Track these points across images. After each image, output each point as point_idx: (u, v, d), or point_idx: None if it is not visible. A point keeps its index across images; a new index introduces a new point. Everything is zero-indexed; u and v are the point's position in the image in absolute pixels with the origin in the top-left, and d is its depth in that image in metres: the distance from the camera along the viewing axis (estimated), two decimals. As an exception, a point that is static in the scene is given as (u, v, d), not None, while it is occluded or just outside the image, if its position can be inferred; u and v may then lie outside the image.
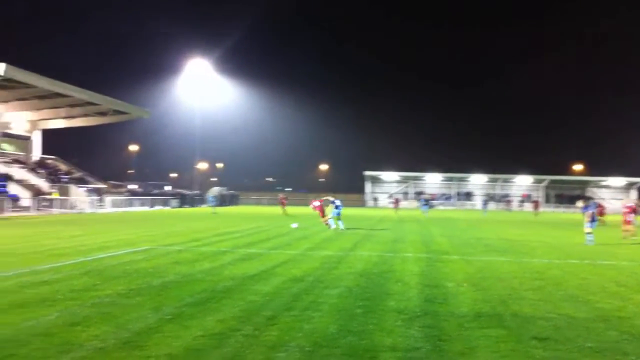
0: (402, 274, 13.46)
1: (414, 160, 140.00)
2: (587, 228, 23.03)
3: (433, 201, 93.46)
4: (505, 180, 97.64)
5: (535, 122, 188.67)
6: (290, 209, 52.88)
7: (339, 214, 29.30)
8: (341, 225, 29.02)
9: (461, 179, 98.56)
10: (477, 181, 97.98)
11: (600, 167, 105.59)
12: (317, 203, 32.72)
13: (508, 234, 29.02)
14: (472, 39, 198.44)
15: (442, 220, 45.27)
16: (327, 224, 30.19)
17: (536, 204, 64.05)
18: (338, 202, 29.60)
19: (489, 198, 66.93)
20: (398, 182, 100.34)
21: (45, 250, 17.41)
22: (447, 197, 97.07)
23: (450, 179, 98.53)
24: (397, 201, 61.48)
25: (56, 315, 8.62)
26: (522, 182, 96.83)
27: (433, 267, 15.01)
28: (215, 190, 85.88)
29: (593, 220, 23.14)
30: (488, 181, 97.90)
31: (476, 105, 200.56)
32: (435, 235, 26.99)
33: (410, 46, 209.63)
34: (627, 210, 25.95)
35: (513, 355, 6.98)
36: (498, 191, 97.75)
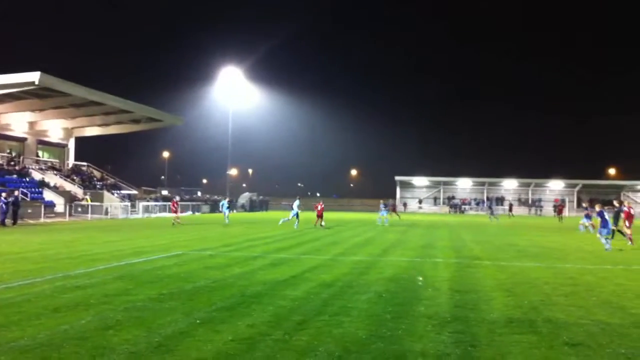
0: (433, 280, 13.38)
1: (445, 165, 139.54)
2: (598, 233, 22.61)
3: (464, 205, 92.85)
4: (538, 185, 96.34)
5: (569, 125, 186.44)
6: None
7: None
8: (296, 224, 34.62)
9: (493, 184, 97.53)
10: (509, 186, 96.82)
11: (635, 171, 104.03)
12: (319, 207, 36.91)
13: (540, 239, 28.65)
14: (499, 42, 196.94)
15: (473, 225, 44.85)
16: (321, 225, 35.62)
17: (560, 209, 61.59)
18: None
19: (492, 202, 64.94)
20: (428, 187, 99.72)
21: (79, 256, 17.68)
22: (479, 202, 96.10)
23: (481, 184, 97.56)
24: (394, 206, 60.03)
25: (89, 319, 8.75)
26: (555, 187, 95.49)
27: (464, 272, 14.91)
28: (245, 196, 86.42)
29: (605, 225, 22.03)
30: (520, 186, 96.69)
31: (508, 109, 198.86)
32: (466, 240, 26.78)
33: (441, 53, 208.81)
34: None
35: (545, 362, 6.90)
36: (530, 196, 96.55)
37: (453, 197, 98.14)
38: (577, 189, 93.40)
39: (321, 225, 35.55)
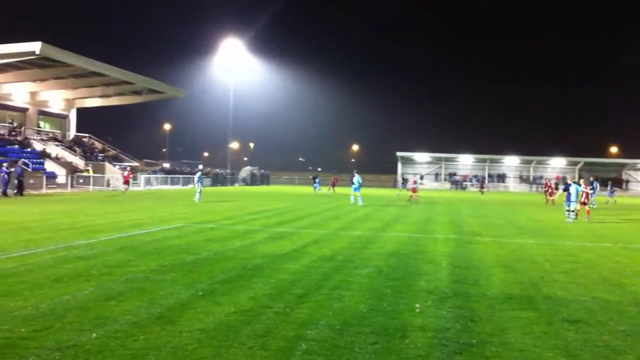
0: (433, 255, 13.43)
1: (447, 141, 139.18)
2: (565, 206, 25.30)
3: (464, 182, 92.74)
4: (539, 162, 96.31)
5: (572, 103, 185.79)
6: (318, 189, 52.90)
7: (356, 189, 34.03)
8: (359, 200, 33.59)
9: (494, 161, 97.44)
10: (511, 163, 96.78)
11: (636, 149, 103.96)
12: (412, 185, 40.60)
13: (539, 216, 28.65)
14: (504, 20, 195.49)
15: (473, 202, 44.90)
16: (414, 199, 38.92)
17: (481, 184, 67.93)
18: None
19: (406, 179, 64.81)
20: (430, 163, 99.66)
21: (81, 227, 17.73)
22: (479, 179, 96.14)
23: (483, 161, 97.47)
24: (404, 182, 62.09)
25: (91, 290, 8.79)
26: (557, 164, 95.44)
27: (464, 248, 14.95)
28: (246, 170, 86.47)
29: (568, 199, 24.91)
30: (521, 163, 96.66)
31: (511, 87, 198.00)
32: (465, 216, 26.81)
33: (444, 30, 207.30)
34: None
35: (544, 337, 6.93)
36: (532, 173, 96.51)
37: (454, 174, 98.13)
38: (578, 166, 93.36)
39: (414, 199, 39.37)
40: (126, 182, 40.99)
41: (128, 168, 46.63)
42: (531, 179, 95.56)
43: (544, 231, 20.28)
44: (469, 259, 12.96)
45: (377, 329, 7.07)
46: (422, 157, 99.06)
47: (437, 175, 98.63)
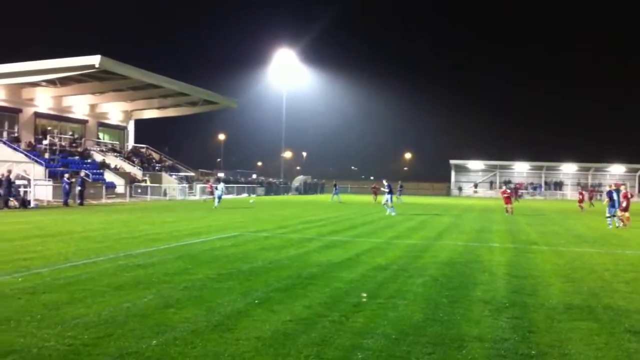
0: (489, 264, 13.25)
1: (500, 148, 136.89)
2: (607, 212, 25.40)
3: (520, 190, 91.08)
4: (597, 170, 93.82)
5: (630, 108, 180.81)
6: (351, 197, 52.72)
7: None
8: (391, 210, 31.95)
9: (550, 168, 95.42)
10: (568, 170, 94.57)
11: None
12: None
13: (599, 224, 27.89)
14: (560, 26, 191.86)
15: (529, 210, 44.05)
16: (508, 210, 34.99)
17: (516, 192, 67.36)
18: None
19: (403, 185, 61.95)
20: (484, 170, 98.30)
21: (140, 236, 18.15)
22: (535, 187, 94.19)
23: (539, 168, 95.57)
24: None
25: (150, 297, 8.98)
26: (616, 171, 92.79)
27: (521, 257, 14.71)
28: (299, 179, 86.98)
29: (613, 205, 25.01)
30: (579, 170, 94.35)
31: (566, 93, 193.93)
32: (522, 225, 26.35)
33: (497, 35, 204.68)
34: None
35: (606, 349, 6.76)
36: (590, 180, 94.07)
37: (509, 182, 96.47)
38: (638, 173, 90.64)
39: (507, 211, 35.01)
40: (211, 192, 48.15)
41: (211, 180, 51.29)
42: (589, 186, 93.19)
43: (604, 240, 19.78)
44: (526, 269, 12.75)
45: (433, 338, 7.02)
46: (476, 165, 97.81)
47: (491, 183, 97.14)
